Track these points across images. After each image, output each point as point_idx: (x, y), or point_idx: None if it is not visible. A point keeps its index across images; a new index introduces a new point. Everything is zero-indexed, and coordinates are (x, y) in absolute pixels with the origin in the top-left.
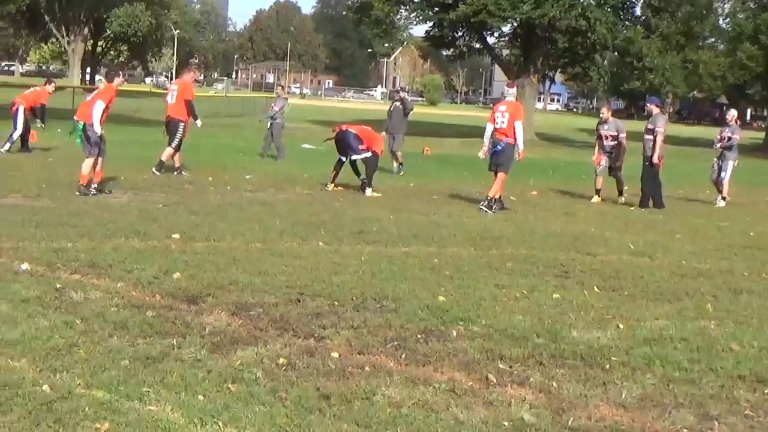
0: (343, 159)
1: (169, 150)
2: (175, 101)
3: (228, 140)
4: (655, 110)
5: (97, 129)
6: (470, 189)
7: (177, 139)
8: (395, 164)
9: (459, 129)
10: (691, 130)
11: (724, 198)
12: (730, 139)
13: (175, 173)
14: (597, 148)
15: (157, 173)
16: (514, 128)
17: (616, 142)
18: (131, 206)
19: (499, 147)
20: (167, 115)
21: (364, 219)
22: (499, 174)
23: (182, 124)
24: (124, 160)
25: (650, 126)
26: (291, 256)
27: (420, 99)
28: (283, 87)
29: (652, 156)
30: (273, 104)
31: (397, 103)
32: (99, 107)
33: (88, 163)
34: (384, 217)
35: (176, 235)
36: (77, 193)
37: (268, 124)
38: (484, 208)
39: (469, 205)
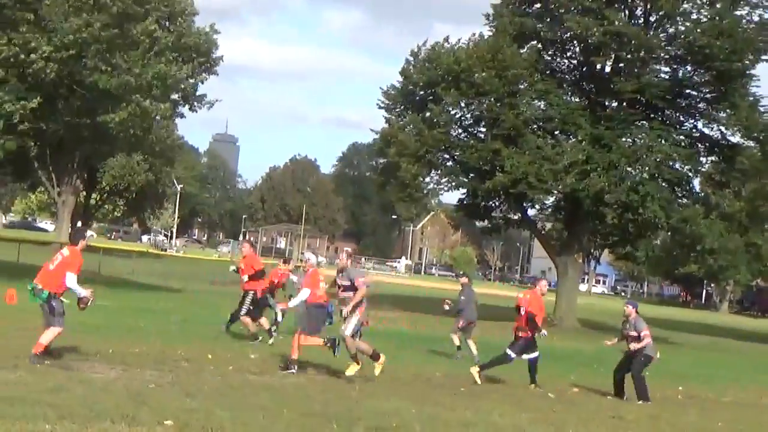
0: None
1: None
2: None
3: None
4: (634, 313)
5: (81, 291)
6: (501, 377)
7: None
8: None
9: (492, 310)
10: (755, 324)
11: None
12: None
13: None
14: None
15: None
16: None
17: None
18: (119, 384)
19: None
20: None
21: (383, 412)
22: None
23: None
24: (114, 330)
25: (633, 333)
26: None
27: (449, 273)
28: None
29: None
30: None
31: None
32: (72, 279)
33: (53, 332)
34: (405, 410)
35: (169, 422)
36: (32, 361)
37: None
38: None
39: (502, 401)
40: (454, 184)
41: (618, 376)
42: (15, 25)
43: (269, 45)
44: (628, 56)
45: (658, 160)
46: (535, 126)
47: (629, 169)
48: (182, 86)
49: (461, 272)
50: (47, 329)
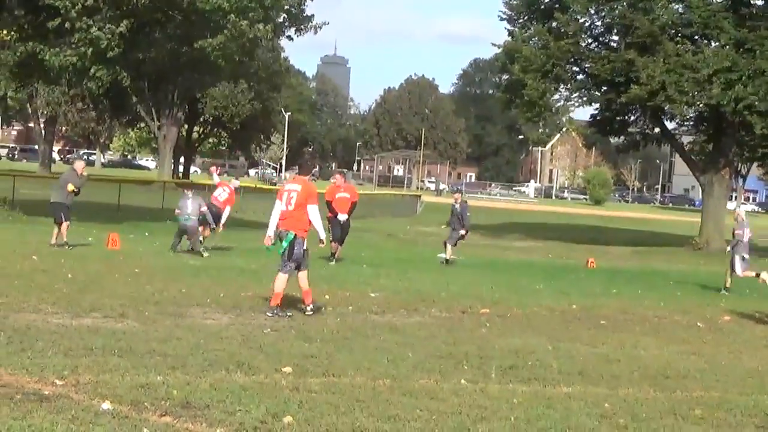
0: None
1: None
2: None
3: (348, 248)
4: None
5: (322, 234)
6: (646, 311)
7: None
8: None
9: (631, 235)
10: None
11: None
12: None
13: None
14: None
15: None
16: None
17: None
18: (232, 330)
19: None
20: None
21: (517, 350)
22: None
23: None
24: (224, 272)
25: None
26: (427, 397)
27: (582, 197)
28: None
29: None
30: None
31: (456, 205)
32: (315, 210)
33: (282, 279)
34: (541, 347)
35: (287, 369)
36: (268, 314)
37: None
38: None
39: (647, 333)
40: (585, 99)
41: None
42: None
43: None
44: None
45: None
46: (672, 32)
47: None
48: (286, 6)
49: (457, 188)
50: (278, 275)
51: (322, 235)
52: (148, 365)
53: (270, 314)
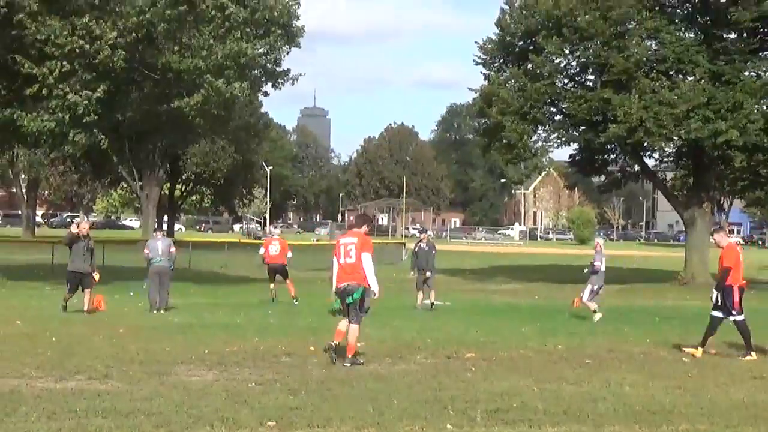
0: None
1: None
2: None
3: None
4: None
5: (376, 286)
6: (632, 348)
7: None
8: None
9: (616, 273)
10: None
11: None
12: None
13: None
14: None
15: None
16: None
17: None
18: (216, 386)
19: None
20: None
21: (502, 393)
22: None
23: None
24: (208, 329)
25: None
26: None
27: (567, 237)
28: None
29: None
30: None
31: (422, 244)
32: (369, 258)
33: (355, 329)
34: (526, 388)
35: (272, 423)
36: (347, 364)
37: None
38: None
39: (633, 370)
40: (564, 139)
41: None
42: (79, 13)
43: (347, 6)
44: None
45: None
46: (647, 68)
47: (756, 107)
48: (261, 62)
49: (423, 228)
50: (350, 327)
51: (375, 287)
52: (132, 425)
53: (348, 364)
